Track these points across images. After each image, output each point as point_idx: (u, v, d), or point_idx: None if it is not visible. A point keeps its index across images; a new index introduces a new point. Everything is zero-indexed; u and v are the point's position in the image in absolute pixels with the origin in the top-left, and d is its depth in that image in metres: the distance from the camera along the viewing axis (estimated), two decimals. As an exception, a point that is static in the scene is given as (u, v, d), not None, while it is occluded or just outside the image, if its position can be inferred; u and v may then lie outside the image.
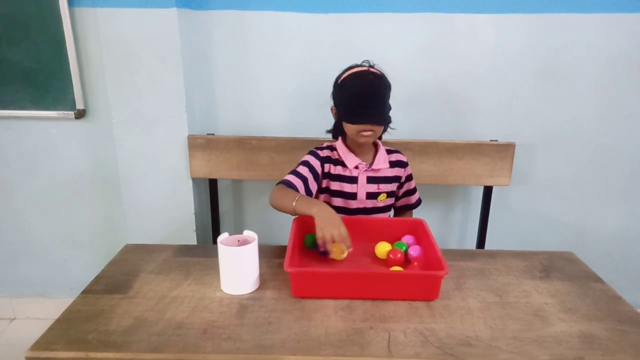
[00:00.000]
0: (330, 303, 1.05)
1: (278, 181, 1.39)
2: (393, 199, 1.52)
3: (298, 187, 1.34)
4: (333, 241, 1.13)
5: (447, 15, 1.73)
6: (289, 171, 1.42)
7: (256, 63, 1.81)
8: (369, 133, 1.32)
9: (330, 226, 1.14)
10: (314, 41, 1.77)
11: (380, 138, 1.49)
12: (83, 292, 1.09)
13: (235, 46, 1.79)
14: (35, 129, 1.87)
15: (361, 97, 1.31)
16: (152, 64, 1.67)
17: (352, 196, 1.44)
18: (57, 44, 1.72)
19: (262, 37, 1.78)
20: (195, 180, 1.86)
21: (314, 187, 1.39)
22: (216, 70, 1.82)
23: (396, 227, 1.32)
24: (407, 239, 1.26)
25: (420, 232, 1.26)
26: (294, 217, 1.31)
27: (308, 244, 1.28)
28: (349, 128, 1.35)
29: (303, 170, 1.39)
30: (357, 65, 1.38)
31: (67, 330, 0.95)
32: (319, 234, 1.14)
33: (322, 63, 1.71)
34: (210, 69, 1.82)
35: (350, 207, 1.45)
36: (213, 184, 1.90)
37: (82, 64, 1.78)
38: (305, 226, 1.29)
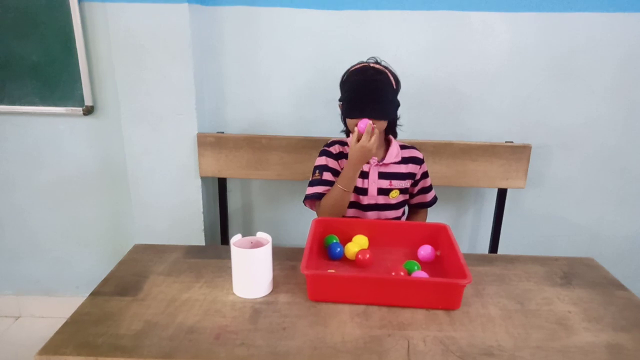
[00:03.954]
0: (345, 308, 1.02)
1: (306, 197, 1.41)
2: (407, 195, 1.49)
3: None
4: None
5: (461, 13, 1.69)
6: (311, 179, 1.43)
7: (267, 60, 1.78)
8: None
9: (362, 156, 1.28)
10: (326, 38, 1.74)
11: (395, 136, 1.46)
12: (92, 294, 1.07)
13: (246, 43, 1.76)
14: (43, 125, 1.84)
15: (359, 91, 1.32)
16: (162, 59, 1.65)
17: (363, 192, 1.42)
18: (65, 39, 1.69)
19: (273, 34, 1.74)
20: (204, 179, 1.83)
21: None
22: (226, 67, 1.79)
23: (418, 231, 1.28)
24: (425, 248, 1.22)
25: (442, 238, 1.22)
26: (317, 217, 1.32)
27: (327, 245, 1.25)
28: (349, 123, 1.36)
29: (328, 176, 1.40)
30: (362, 62, 1.38)
31: (76, 333, 0.93)
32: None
33: (333, 60, 1.68)
34: (221, 66, 1.79)
35: (362, 202, 1.43)
36: (222, 183, 1.87)
37: (91, 59, 1.75)
38: (324, 228, 1.27)
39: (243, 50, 1.77)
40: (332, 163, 1.42)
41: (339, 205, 1.36)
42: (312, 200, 1.41)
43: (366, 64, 1.36)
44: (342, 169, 1.41)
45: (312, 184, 1.42)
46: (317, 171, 1.42)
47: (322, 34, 1.74)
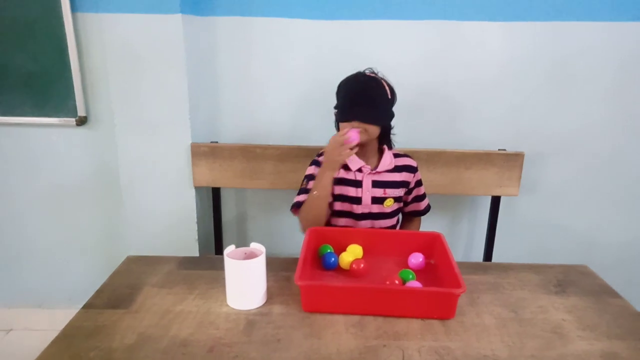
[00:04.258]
0: (340, 319, 1.02)
1: (292, 205, 1.40)
2: (401, 204, 1.49)
3: None
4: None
5: (454, 22, 1.71)
6: (299, 189, 1.43)
7: (261, 69, 1.78)
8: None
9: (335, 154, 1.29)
10: (321, 48, 1.75)
11: (390, 147, 1.46)
12: (84, 307, 1.06)
13: (240, 52, 1.76)
14: (36, 135, 1.84)
15: (349, 96, 1.34)
16: (156, 70, 1.65)
17: (357, 200, 1.41)
18: (59, 50, 1.69)
19: (267, 44, 1.75)
20: (198, 189, 1.83)
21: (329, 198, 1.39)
22: (221, 77, 1.79)
23: (412, 240, 1.28)
24: (416, 256, 1.22)
25: (437, 246, 1.22)
26: (307, 227, 1.30)
27: (321, 255, 1.25)
28: (341, 127, 1.36)
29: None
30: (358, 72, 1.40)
31: (68, 347, 0.92)
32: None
33: (328, 70, 1.68)
34: (215, 76, 1.79)
35: (355, 212, 1.42)
36: (216, 192, 1.86)
37: (84, 70, 1.75)
38: (318, 238, 1.26)
39: (237, 60, 1.77)
40: None
41: (314, 212, 1.34)
42: (297, 208, 1.40)
43: (361, 73, 1.38)
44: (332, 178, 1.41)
45: (299, 192, 1.42)
46: (305, 180, 1.42)
47: (317, 44, 1.74)
